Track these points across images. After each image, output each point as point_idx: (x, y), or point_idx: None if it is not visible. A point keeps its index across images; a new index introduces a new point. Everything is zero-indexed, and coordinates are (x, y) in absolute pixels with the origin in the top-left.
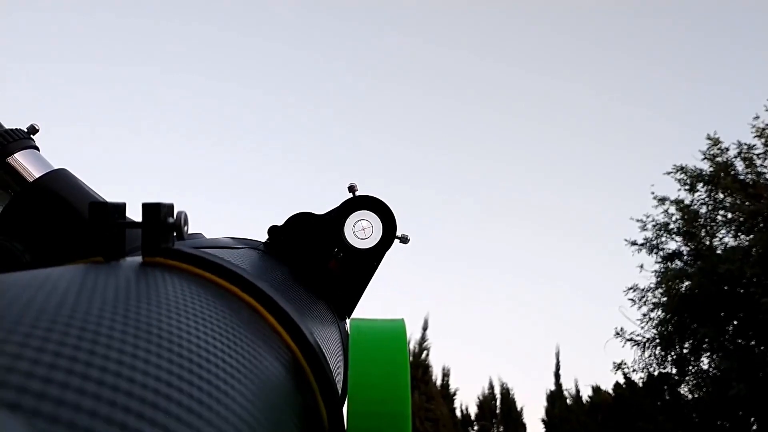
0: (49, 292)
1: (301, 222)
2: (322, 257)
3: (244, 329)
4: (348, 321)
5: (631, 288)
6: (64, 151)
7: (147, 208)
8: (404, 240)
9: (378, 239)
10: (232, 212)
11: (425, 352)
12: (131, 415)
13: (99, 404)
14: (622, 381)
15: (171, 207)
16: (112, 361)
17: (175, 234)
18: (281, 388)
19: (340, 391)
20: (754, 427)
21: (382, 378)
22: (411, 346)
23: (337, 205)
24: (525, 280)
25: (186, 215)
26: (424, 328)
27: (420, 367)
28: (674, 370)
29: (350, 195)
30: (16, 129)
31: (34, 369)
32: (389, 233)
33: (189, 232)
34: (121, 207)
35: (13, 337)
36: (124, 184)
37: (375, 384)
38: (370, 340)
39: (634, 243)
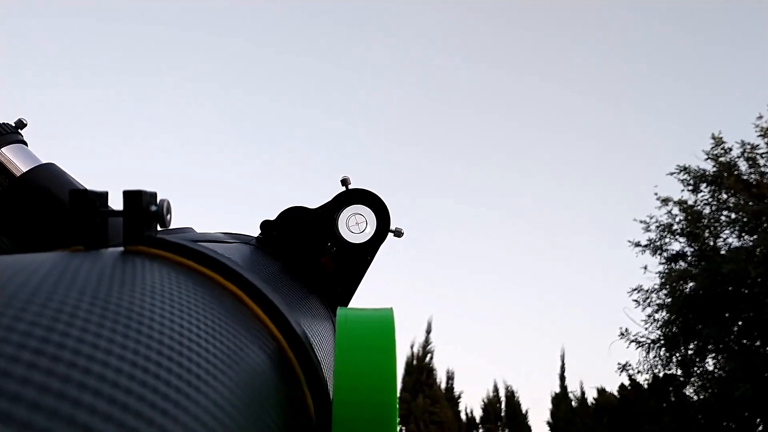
0: (22, 277)
1: (293, 216)
2: (315, 252)
3: (227, 318)
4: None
5: (635, 289)
6: (54, 146)
7: (128, 195)
8: (398, 233)
9: (372, 233)
10: (224, 208)
11: (429, 355)
12: (102, 399)
13: (67, 386)
14: (627, 382)
15: (154, 195)
16: (86, 344)
17: (158, 223)
18: (265, 377)
19: (330, 384)
20: (760, 428)
21: (369, 367)
22: (415, 350)
23: (330, 198)
24: (529, 282)
25: (169, 203)
26: (428, 331)
27: (424, 370)
28: (679, 371)
29: (343, 188)
30: (3, 123)
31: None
32: (383, 227)
33: (180, 226)
34: (103, 195)
35: None
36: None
37: (361, 372)
38: (357, 328)
39: (637, 244)
